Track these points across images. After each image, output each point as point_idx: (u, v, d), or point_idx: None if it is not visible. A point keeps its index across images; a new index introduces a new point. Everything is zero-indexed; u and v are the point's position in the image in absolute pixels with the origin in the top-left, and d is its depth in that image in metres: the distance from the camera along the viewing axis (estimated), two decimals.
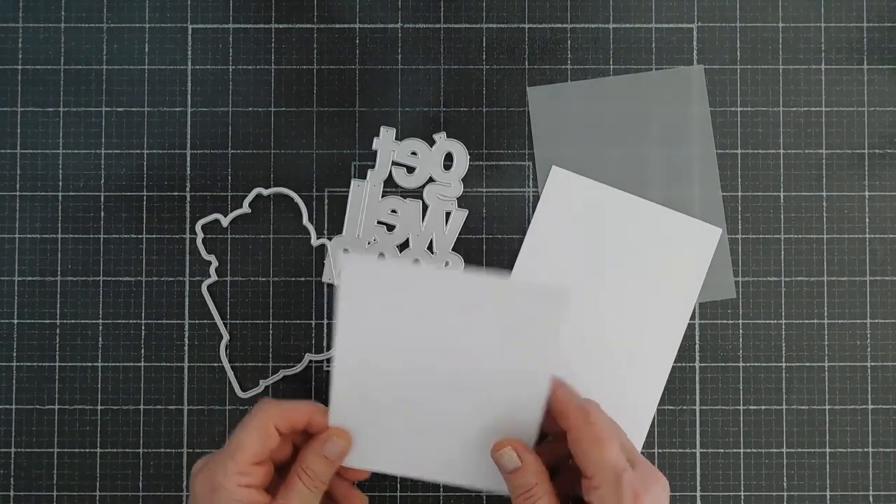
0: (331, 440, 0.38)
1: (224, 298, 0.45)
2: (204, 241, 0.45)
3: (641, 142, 0.46)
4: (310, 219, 0.45)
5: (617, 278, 0.45)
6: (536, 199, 0.46)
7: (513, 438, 0.38)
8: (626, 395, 0.45)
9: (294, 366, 0.45)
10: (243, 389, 0.45)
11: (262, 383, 0.45)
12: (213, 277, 0.45)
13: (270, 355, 0.45)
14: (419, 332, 0.37)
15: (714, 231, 0.45)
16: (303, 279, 0.45)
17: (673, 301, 0.45)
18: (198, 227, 0.45)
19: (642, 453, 0.45)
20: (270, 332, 0.45)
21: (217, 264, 0.45)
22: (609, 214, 0.45)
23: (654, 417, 0.45)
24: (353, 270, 0.37)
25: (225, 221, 0.45)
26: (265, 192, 0.45)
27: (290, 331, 0.45)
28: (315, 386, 0.45)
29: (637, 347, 0.45)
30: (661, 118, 0.46)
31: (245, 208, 0.45)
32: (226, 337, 0.45)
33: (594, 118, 0.46)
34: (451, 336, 0.37)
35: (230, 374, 0.45)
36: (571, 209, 0.45)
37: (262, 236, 0.46)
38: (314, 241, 0.45)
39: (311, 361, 0.45)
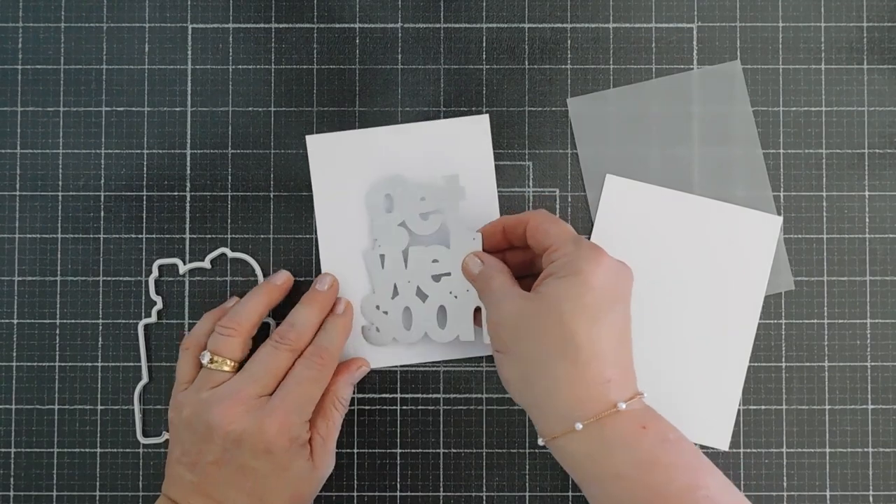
0: (359, 369, 0.44)
1: (160, 341, 0.45)
2: (158, 281, 0.45)
3: (684, 142, 0.46)
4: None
5: (685, 278, 0.45)
6: (537, 199, 0.46)
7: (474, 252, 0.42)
8: (708, 393, 0.45)
9: None
10: (147, 435, 0.45)
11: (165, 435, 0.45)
12: (153, 319, 0.45)
13: None
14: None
15: (774, 220, 0.45)
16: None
17: (743, 295, 0.45)
18: (154, 267, 0.45)
19: None
20: None
21: (161, 307, 0.45)
22: (667, 215, 0.45)
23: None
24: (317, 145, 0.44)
25: (182, 269, 0.45)
26: (230, 254, 0.45)
27: None
28: None
29: (713, 345, 0.45)
30: (702, 117, 0.46)
31: (206, 263, 0.45)
32: (144, 379, 0.45)
33: (635, 122, 0.46)
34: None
35: (137, 416, 0.45)
36: (630, 214, 0.45)
37: (207, 289, 0.45)
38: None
39: None
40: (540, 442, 0.38)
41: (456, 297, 0.43)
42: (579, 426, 0.35)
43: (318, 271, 0.45)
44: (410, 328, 0.44)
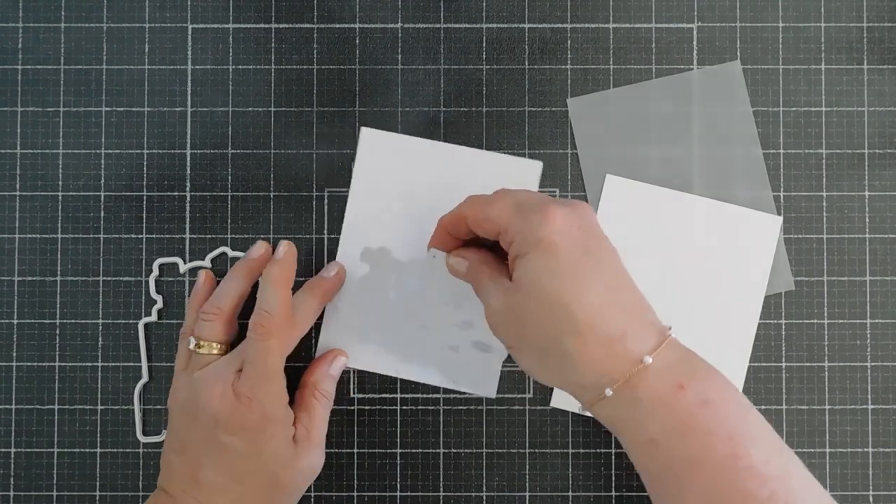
0: (337, 360, 0.43)
1: (161, 340, 0.45)
2: (158, 280, 0.45)
3: (684, 142, 0.46)
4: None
5: (685, 278, 0.45)
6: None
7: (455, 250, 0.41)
8: None
9: None
10: (147, 434, 0.45)
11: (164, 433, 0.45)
12: (154, 318, 0.45)
13: None
14: (421, 210, 0.44)
15: (774, 220, 0.45)
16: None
17: (743, 295, 0.45)
18: (155, 266, 0.45)
19: None
20: None
21: (161, 306, 0.45)
22: (667, 215, 0.45)
23: None
24: (369, 140, 0.45)
25: (182, 268, 0.45)
26: (231, 253, 0.45)
27: None
28: None
29: (713, 345, 0.45)
30: (702, 117, 0.46)
31: (206, 262, 0.45)
32: (144, 378, 0.45)
33: (635, 122, 0.46)
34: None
35: (137, 415, 0.45)
36: (630, 214, 0.45)
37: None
38: None
39: None
40: (576, 409, 0.36)
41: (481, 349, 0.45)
42: (609, 392, 0.33)
43: (318, 271, 0.45)
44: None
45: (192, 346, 0.41)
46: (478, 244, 0.41)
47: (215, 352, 0.41)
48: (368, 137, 0.45)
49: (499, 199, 0.37)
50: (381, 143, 0.45)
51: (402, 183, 0.45)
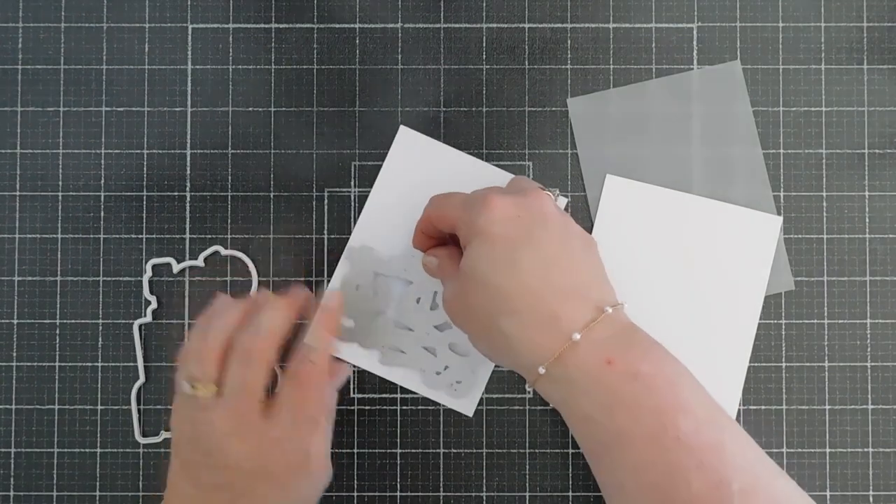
0: (341, 372, 0.42)
1: (159, 341, 0.45)
2: (157, 281, 0.45)
3: (684, 142, 0.46)
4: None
5: (685, 278, 0.45)
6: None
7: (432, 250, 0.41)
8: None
9: None
10: (146, 435, 0.45)
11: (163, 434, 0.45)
12: (148, 318, 0.45)
13: None
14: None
15: (774, 220, 0.45)
16: None
17: (743, 295, 0.45)
18: (148, 266, 0.45)
19: None
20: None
21: (155, 306, 0.45)
22: (667, 215, 0.45)
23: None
24: (403, 141, 0.45)
25: (176, 268, 0.45)
26: (223, 251, 0.45)
27: None
28: None
29: (713, 345, 0.45)
30: (702, 117, 0.46)
31: (199, 262, 0.45)
32: (141, 379, 0.45)
33: (635, 122, 0.46)
34: None
35: (135, 416, 0.45)
36: (630, 214, 0.45)
37: (208, 290, 0.45)
38: None
39: None
40: (527, 388, 0.37)
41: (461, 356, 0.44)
42: (542, 370, 0.34)
43: (318, 271, 0.45)
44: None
45: (186, 390, 0.38)
46: (456, 242, 0.41)
47: (212, 392, 0.38)
48: (404, 137, 0.45)
49: (453, 196, 0.39)
50: (416, 144, 0.45)
51: (424, 186, 0.44)
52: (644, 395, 0.32)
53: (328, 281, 0.45)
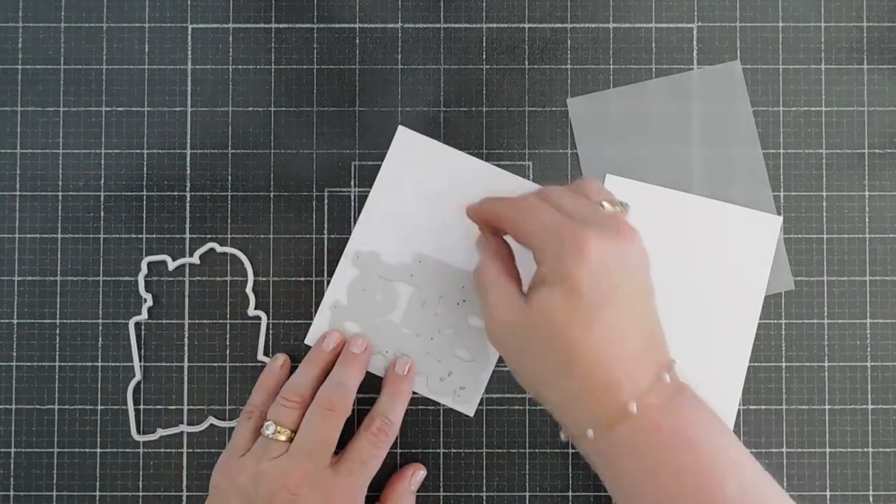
0: (416, 475, 0.44)
1: (157, 340, 0.45)
2: (156, 280, 0.45)
3: (684, 142, 0.45)
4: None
5: (685, 278, 0.45)
6: None
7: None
8: (708, 393, 0.44)
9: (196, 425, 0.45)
10: (145, 433, 0.45)
11: (160, 431, 0.45)
12: (144, 316, 0.45)
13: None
14: (437, 222, 0.44)
15: (774, 220, 0.45)
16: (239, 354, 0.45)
17: (743, 295, 0.45)
18: (143, 264, 0.45)
19: None
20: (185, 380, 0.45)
21: (151, 304, 0.45)
22: (667, 215, 0.45)
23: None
24: (402, 140, 0.45)
25: (171, 265, 0.45)
26: (219, 248, 0.45)
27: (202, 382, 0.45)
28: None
29: (713, 345, 0.45)
30: (702, 117, 0.46)
31: (195, 259, 0.45)
32: (137, 377, 0.45)
33: (635, 122, 0.46)
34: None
35: (131, 414, 0.45)
36: (630, 214, 0.45)
37: (207, 289, 0.45)
38: (251, 311, 0.45)
39: (211, 424, 0.45)
40: (561, 435, 0.36)
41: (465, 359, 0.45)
42: (590, 433, 0.34)
43: (318, 271, 0.45)
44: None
45: (270, 432, 0.40)
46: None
47: (283, 439, 0.40)
48: (403, 137, 0.45)
49: (540, 214, 0.36)
50: (415, 145, 0.45)
51: (424, 188, 0.45)
52: (689, 459, 0.33)
53: (328, 281, 0.45)
